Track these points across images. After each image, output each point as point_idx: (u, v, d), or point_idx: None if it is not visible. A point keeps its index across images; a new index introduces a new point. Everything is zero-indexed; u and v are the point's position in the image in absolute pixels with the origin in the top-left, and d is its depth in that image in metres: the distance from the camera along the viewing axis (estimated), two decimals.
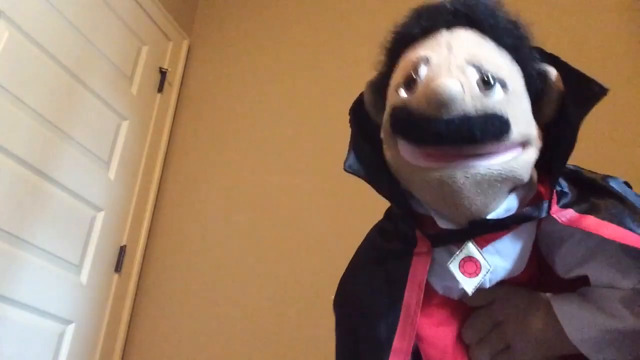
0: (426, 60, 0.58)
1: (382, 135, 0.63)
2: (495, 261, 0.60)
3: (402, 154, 0.58)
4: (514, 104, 0.57)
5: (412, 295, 0.62)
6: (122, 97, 1.99)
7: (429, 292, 0.64)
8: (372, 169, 0.66)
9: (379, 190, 0.66)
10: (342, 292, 0.72)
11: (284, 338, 1.64)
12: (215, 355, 1.71)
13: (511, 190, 0.60)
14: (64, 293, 1.66)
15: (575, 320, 0.59)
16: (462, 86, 0.54)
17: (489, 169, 0.55)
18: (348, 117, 0.70)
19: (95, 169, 1.84)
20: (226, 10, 2.40)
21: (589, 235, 0.57)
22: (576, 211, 0.58)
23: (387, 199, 0.67)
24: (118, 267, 1.88)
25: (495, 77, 0.57)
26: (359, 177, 0.66)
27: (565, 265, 0.61)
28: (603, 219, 0.56)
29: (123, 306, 1.87)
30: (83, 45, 1.83)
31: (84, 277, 1.74)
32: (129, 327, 1.87)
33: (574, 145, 0.59)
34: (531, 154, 0.59)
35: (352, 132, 0.69)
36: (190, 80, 2.31)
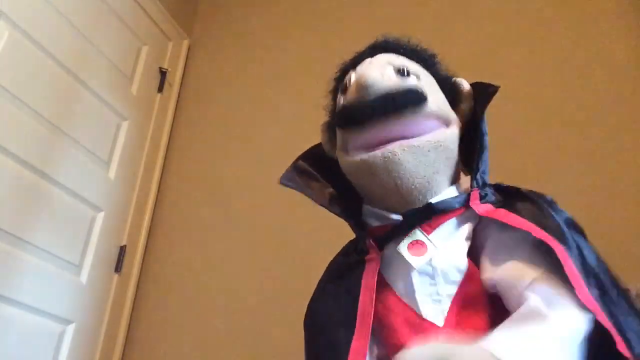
0: (354, 70, 0.76)
1: (338, 156, 0.77)
2: (441, 245, 0.68)
3: (353, 158, 0.71)
4: (429, 88, 0.73)
5: (365, 297, 0.68)
6: (122, 97, 1.99)
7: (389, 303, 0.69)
8: (322, 192, 0.80)
9: (320, 203, 0.80)
10: (308, 312, 0.79)
11: (283, 338, 1.64)
12: (215, 355, 1.71)
13: (453, 182, 0.73)
14: (64, 293, 1.66)
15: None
16: (382, 74, 0.70)
17: (420, 141, 0.68)
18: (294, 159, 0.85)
19: (95, 169, 1.84)
20: (226, 10, 2.40)
21: (502, 234, 0.66)
22: (493, 206, 0.69)
23: (329, 210, 0.79)
24: (118, 267, 1.87)
25: (410, 70, 0.73)
26: (293, 188, 0.81)
27: (486, 263, 0.67)
28: (513, 212, 0.66)
29: (123, 306, 1.87)
30: (83, 45, 1.83)
31: (84, 277, 1.74)
32: (129, 327, 1.87)
33: (485, 141, 0.73)
34: (454, 130, 0.72)
35: (295, 161, 0.85)
36: (190, 80, 2.31)
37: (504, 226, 0.66)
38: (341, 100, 0.75)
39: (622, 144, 1.45)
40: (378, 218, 0.74)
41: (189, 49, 2.38)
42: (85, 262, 1.76)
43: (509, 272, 0.63)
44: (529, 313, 0.58)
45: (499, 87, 0.72)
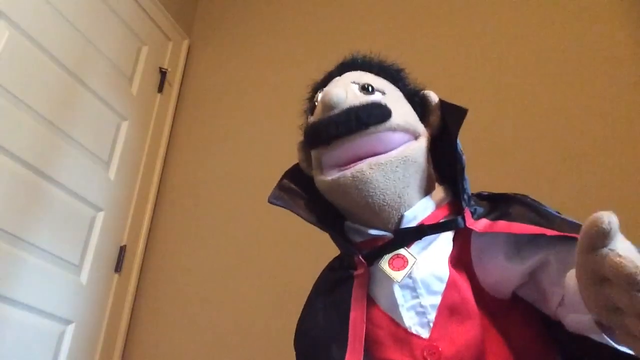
0: (322, 90, 0.78)
1: (313, 172, 0.78)
2: (422, 253, 0.68)
3: (325, 178, 0.72)
4: (393, 102, 0.73)
5: (356, 313, 0.68)
6: (122, 97, 1.99)
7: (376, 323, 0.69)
8: (309, 209, 0.81)
9: (310, 220, 0.80)
10: (298, 329, 0.79)
11: (283, 338, 1.64)
12: (215, 356, 1.71)
13: (426, 192, 0.73)
14: (64, 293, 1.66)
15: None
16: (345, 91, 0.72)
17: (388, 158, 0.69)
18: (279, 178, 0.86)
19: (95, 169, 1.84)
20: (226, 10, 2.40)
21: (500, 240, 0.67)
22: (489, 219, 0.69)
23: (318, 227, 0.79)
24: (118, 267, 1.88)
25: (374, 87, 0.74)
26: (284, 207, 0.81)
27: (487, 274, 0.68)
28: (511, 220, 0.66)
29: (123, 306, 1.87)
30: (83, 45, 1.83)
31: (84, 277, 1.74)
32: (129, 327, 1.87)
33: (460, 160, 0.72)
34: (422, 142, 0.73)
35: (280, 180, 0.85)
36: (190, 80, 2.31)
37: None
38: (309, 119, 0.78)
39: (624, 144, 1.45)
40: (359, 234, 0.75)
41: (189, 49, 2.38)
42: (85, 262, 1.76)
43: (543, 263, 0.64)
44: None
45: (467, 110, 0.72)
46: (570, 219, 0.64)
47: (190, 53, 2.37)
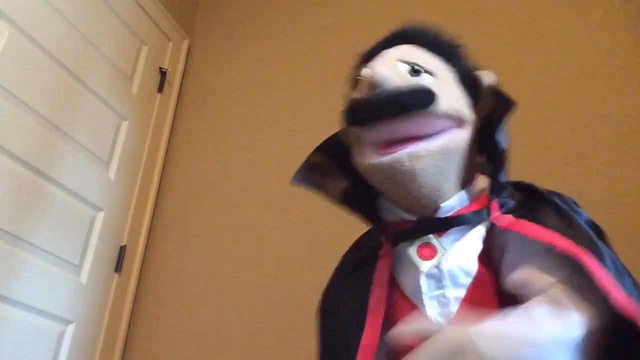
0: (367, 65, 0.73)
1: (352, 148, 0.75)
2: (453, 246, 0.67)
3: (365, 158, 0.70)
4: (443, 86, 0.70)
5: (377, 293, 0.68)
6: (122, 97, 1.99)
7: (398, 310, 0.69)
8: (333, 187, 0.79)
9: (332, 199, 0.79)
10: (321, 305, 0.80)
11: (284, 338, 1.64)
12: (215, 355, 1.71)
13: (464, 186, 0.70)
14: (64, 293, 1.66)
15: None
16: (392, 72, 0.68)
17: (428, 149, 0.66)
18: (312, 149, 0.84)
19: (95, 169, 1.84)
20: (226, 10, 2.40)
21: (524, 241, 0.65)
22: (515, 216, 0.67)
23: (340, 207, 0.79)
24: (118, 267, 1.87)
25: (423, 67, 0.70)
26: (305, 187, 0.80)
27: (507, 270, 0.66)
28: (534, 222, 0.64)
29: (123, 306, 1.87)
30: (83, 45, 1.83)
31: (84, 277, 1.74)
32: (129, 327, 1.87)
33: (503, 152, 0.70)
34: (466, 132, 0.70)
35: (308, 157, 0.83)
36: (190, 80, 2.31)
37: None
38: (352, 94, 0.74)
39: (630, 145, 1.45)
40: (392, 213, 0.74)
41: (189, 49, 2.38)
42: (85, 262, 1.76)
43: (526, 277, 0.63)
44: (528, 308, 0.58)
45: (515, 103, 0.68)
46: (591, 234, 0.63)
47: (190, 53, 2.37)
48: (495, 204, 0.69)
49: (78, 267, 1.73)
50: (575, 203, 0.70)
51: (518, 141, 1.55)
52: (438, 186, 0.68)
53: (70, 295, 1.68)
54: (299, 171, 0.80)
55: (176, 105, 2.26)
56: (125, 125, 1.99)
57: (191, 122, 2.21)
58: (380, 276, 0.69)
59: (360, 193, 0.76)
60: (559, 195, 0.70)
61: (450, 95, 0.70)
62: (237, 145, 2.06)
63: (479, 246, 0.68)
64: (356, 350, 0.65)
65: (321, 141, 0.85)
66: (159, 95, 2.19)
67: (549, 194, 0.70)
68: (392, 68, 0.69)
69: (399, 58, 0.71)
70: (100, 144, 1.87)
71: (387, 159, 0.67)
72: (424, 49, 0.74)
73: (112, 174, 1.91)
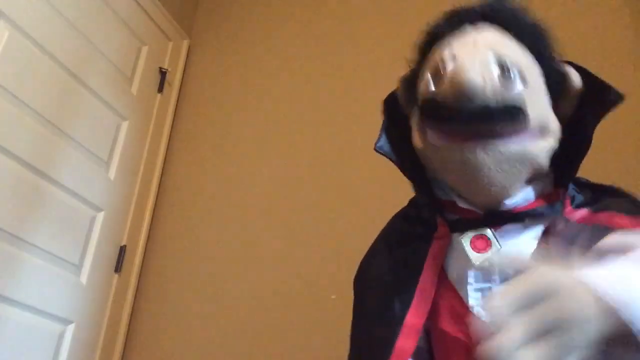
0: (453, 57, 0.64)
1: (412, 123, 0.70)
2: (508, 242, 0.64)
3: (429, 139, 0.65)
4: (532, 96, 0.63)
5: (428, 277, 0.66)
6: (122, 97, 1.99)
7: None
8: (398, 156, 0.73)
9: (405, 172, 0.73)
10: (361, 271, 0.76)
11: (284, 337, 1.64)
12: (215, 355, 1.71)
13: (530, 182, 0.66)
14: (64, 293, 1.66)
15: None
16: (484, 80, 0.60)
17: (508, 148, 0.61)
18: (381, 107, 0.77)
19: (95, 169, 1.84)
20: (226, 10, 2.40)
21: (597, 232, 0.59)
22: (590, 210, 0.64)
23: (411, 182, 0.73)
24: (118, 267, 1.87)
25: (516, 72, 0.62)
26: (388, 157, 0.73)
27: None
28: (616, 212, 0.61)
29: (123, 306, 1.87)
30: (83, 45, 1.83)
31: (84, 277, 1.74)
32: (129, 327, 1.87)
33: (589, 146, 0.65)
34: (550, 142, 0.64)
35: (384, 119, 0.76)
36: (190, 80, 2.31)
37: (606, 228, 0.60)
38: (430, 84, 0.65)
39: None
40: (445, 193, 0.71)
41: (189, 49, 2.38)
42: (85, 262, 1.76)
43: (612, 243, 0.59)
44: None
45: (623, 97, 0.63)
46: None
47: (190, 53, 2.37)
48: (568, 201, 0.66)
49: (78, 267, 1.73)
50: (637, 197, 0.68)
51: None
52: (508, 187, 0.64)
53: (70, 295, 1.68)
54: (380, 137, 0.75)
55: (176, 105, 2.26)
56: (125, 125, 1.99)
57: (191, 122, 2.21)
58: (433, 259, 0.67)
59: (413, 163, 0.72)
60: (621, 189, 0.68)
61: (539, 106, 0.64)
62: (237, 145, 2.06)
63: (533, 246, 0.65)
64: (400, 326, 0.64)
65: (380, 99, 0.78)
66: (159, 95, 2.19)
67: (610, 186, 0.68)
68: (483, 71, 0.61)
69: (490, 55, 0.63)
70: (100, 144, 1.87)
71: (458, 150, 0.62)
72: (514, 36, 0.67)
73: (112, 174, 1.91)
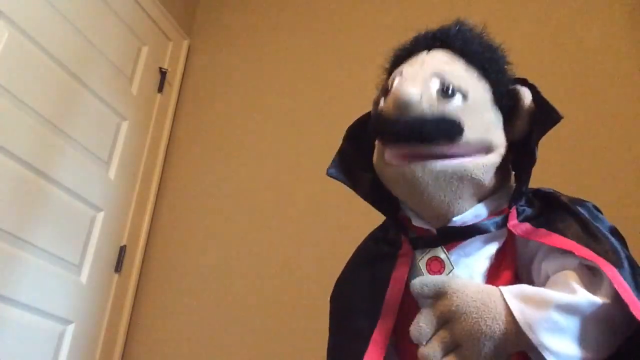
0: (400, 73, 0.71)
1: (375, 144, 0.74)
2: (461, 262, 0.68)
3: (385, 158, 0.69)
4: (473, 112, 0.68)
5: (393, 293, 0.70)
6: (122, 97, 1.99)
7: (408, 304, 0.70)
8: (362, 180, 0.78)
9: (361, 194, 0.78)
10: (335, 290, 0.81)
11: (284, 337, 1.64)
12: (215, 355, 1.71)
13: (482, 198, 0.70)
14: (64, 293, 1.66)
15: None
16: (422, 94, 0.65)
17: (444, 166, 0.65)
18: (344, 133, 0.82)
19: (95, 169, 1.84)
20: (226, 10, 2.40)
21: (549, 250, 0.65)
22: (532, 225, 0.67)
23: (368, 201, 0.78)
24: (118, 267, 1.87)
25: (456, 88, 0.67)
26: (339, 181, 0.79)
27: (539, 276, 0.67)
28: (554, 231, 0.64)
29: (123, 306, 1.87)
30: (83, 45, 1.83)
31: (84, 277, 1.74)
32: (129, 327, 1.87)
33: (533, 162, 0.69)
34: (492, 159, 0.68)
35: (341, 145, 0.81)
36: (190, 80, 2.31)
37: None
38: (381, 102, 0.71)
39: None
40: (410, 213, 0.75)
41: (189, 49, 2.38)
42: (85, 262, 1.76)
43: (554, 277, 0.64)
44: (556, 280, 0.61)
45: (562, 117, 0.66)
46: (617, 244, 0.62)
47: (190, 53, 2.37)
48: (513, 212, 0.69)
49: (78, 267, 1.73)
50: (596, 208, 0.70)
51: None
52: (449, 202, 0.68)
53: (70, 295, 1.68)
54: (333, 162, 0.79)
55: (176, 105, 2.26)
56: (125, 125, 1.99)
57: (191, 122, 2.21)
58: (397, 276, 0.71)
59: (383, 187, 0.75)
60: (580, 202, 0.69)
61: (479, 123, 0.68)
62: (237, 145, 2.06)
63: (487, 263, 0.68)
64: (367, 342, 0.67)
65: (341, 128, 0.83)
66: (159, 95, 2.19)
67: (569, 201, 0.69)
68: (422, 86, 0.66)
69: (434, 72, 0.68)
70: (100, 144, 1.87)
71: (401, 169, 0.67)
72: (464, 59, 0.71)
73: (112, 174, 1.91)
